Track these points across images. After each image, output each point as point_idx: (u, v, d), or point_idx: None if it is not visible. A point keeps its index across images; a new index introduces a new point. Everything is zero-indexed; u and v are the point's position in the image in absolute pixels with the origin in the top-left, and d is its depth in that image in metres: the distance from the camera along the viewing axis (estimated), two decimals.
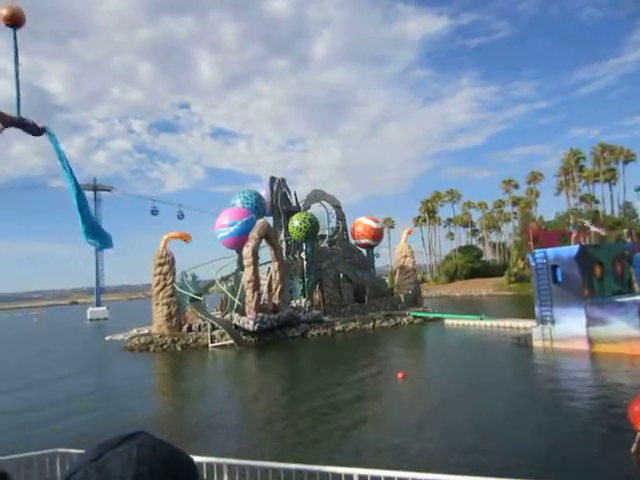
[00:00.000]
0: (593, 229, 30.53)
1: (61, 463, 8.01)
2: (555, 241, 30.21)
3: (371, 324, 44.11)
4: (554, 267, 27.45)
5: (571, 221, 34.47)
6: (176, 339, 38.87)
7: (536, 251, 28.76)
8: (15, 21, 11.21)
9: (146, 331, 43.67)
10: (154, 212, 74.93)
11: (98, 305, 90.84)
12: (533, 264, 28.88)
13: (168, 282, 42.51)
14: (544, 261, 27.87)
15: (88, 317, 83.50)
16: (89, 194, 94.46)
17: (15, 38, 10.93)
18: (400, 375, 22.13)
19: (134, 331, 45.59)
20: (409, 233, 59.54)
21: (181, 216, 74.03)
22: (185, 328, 41.28)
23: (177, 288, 42.79)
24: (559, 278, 27.19)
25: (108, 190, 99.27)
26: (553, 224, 73.51)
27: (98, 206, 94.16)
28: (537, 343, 27.71)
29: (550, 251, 28.01)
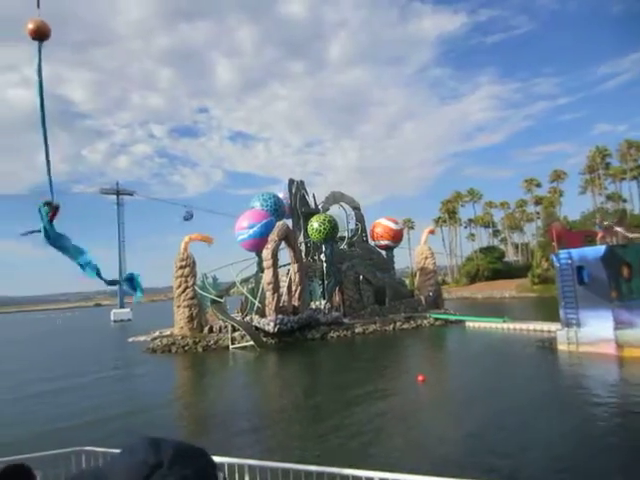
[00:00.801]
0: (617, 229, 29.71)
1: (86, 461, 8.06)
2: (580, 241, 29.52)
3: (391, 326, 43.79)
4: (579, 268, 26.81)
5: (597, 220, 33.64)
6: (197, 340, 39.14)
7: (560, 252, 28.14)
8: (40, 34, 11.23)
9: (168, 333, 44.08)
10: (187, 218, 75.24)
11: (122, 307, 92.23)
12: (557, 265, 28.28)
13: (189, 284, 42.89)
14: (569, 262, 27.26)
15: (112, 319, 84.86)
16: (112, 198, 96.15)
17: (40, 51, 11.02)
18: (420, 378, 21.85)
19: (156, 333, 46.04)
20: (430, 232, 58.97)
21: (189, 217, 74.75)
22: (206, 330, 41.56)
23: (198, 290, 43.13)
24: (585, 279, 26.56)
25: (130, 194, 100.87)
26: (578, 224, 72.17)
27: (121, 210, 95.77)
28: (562, 346, 27.10)
29: (575, 252, 27.38)
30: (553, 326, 31.54)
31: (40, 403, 22.55)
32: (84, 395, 23.78)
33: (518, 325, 38.02)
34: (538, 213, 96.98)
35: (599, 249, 26.94)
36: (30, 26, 10.95)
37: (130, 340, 47.33)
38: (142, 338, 45.91)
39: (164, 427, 17.15)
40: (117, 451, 0.99)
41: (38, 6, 11.08)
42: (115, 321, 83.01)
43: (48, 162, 10.95)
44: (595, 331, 25.60)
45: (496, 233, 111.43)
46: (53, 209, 10.68)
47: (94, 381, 27.82)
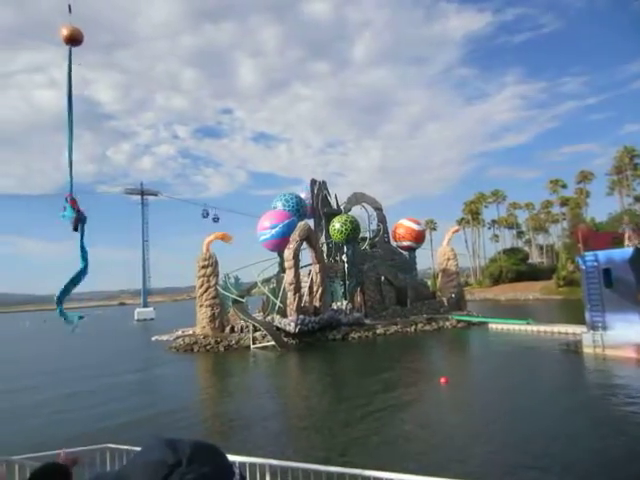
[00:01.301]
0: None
1: (111, 458, 8.22)
2: (607, 243, 28.95)
3: (413, 328, 43.53)
4: (606, 270, 26.29)
5: (624, 222, 32.91)
6: (219, 340, 39.49)
7: (586, 254, 27.64)
8: (74, 41, 11.48)
9: (190, 332, 44.57)
10: (214, 219, 76.72)
11: (145, 306, 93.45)
12: (583, 267, 27.78)
13: (211, 284, 43.27)
14: (595, 264, 26.76)
15: (135, 318, 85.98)
16: (136, 198, 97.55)
17: (70, 56, 11.31)
18: (443, 380, 21.70)
19: (179, 332, 46.61)
20: (455, 232, 58.49)
21: (206, 214, 77.12)
22: (228, 329, 41.90)
23: (220, 290, 43.49)
24: (611, 282, 26.04)
25: (155, 195, 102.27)
26: (605, 225, 70.72)
27: (145, 210, 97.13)
28: (587, 349, 26.63)
29: (601, 254, 26.86)
30: (578, 329, 30.98)
31: (71, 404, 22.96)
32: (113, 396, 23.94)
33: (542, 327, 37.42)
34: (564, 214, 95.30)
35: (626, 251, 26.39)
36: (64, 32, 11.20)
37: (153, 339, 47.96)
38: (165, 337, 46.50)
39: (189, 428, 17.31)
40: (139, 449, 1.03)
41: (70, 11, 11.34)
42: (138, 320, 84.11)
43: (70, 162, 11.13)
44: (622, 334, 25.07)
45: (520, 234, 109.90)
46: (75, 218, 10.60)
47: (122, 381, 28.17)
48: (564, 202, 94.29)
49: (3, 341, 69.72)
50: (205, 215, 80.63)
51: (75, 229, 10.64)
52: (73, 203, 10.64)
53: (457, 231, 59.70)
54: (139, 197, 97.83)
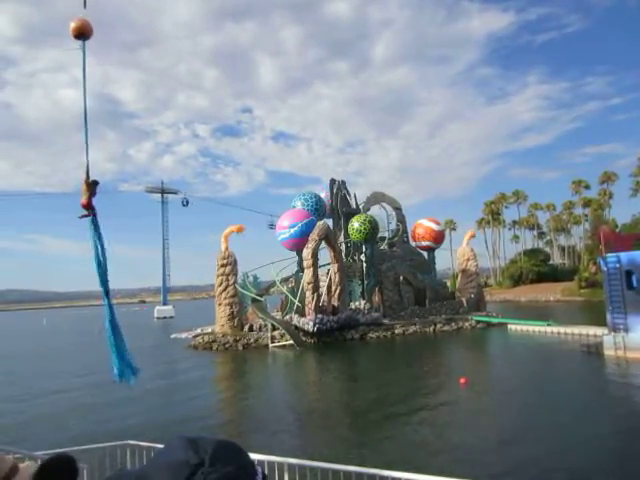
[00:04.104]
0: None
1: (131, 454, 8.41)
2: (630, 245, 28.52)
3: (432, 328, 43.38)
4: (628, 272, 25.93)
5: None
6: (238, 338, 39.84)
7: (608, 255, 27.29)
8: (80, 32, 11.58)
9: (209, 330, 45.02)
10: (270, 226, 77.56)
11: (165, 304, 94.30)
12: (605, 269, 27.43)
13: (230, 283, 43.65)
14: (617, 266, 26.41)
15: (155, 315, 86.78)
16: (157, 197, 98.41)
17: (83, 49, 11.50)
18: (462, 381, 21.64)
19: (198, 330, 47.10)
20: (471, 237, 57.98)
21: (185, 203, 79.76)
22: (246, 328, 42.23)
23: (239, 289, 43.83)
24: (634, 284, 25.66)
25: (175, 193, 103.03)
26: (629, 227, 69.51)
27: (165, 209, 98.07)
28: (609, 352, 26.28)
29: (624, 255, 26.50)
30: (599, 331, 30.59)
31: (98, 399, 23.50)
32: (139, 394, 24.30)
33: (563, 329, 37.01)
34: (586, 215, 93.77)
35: None
36: (72, 25, 11.42)
37: (173, 337, 48.53)
38: (184, 335, 47.07)
39: (210, 426, 17.56)
40: (160, 446, 1.06)
41: (85, 6, 11.51)
42: (158, 318, 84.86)
43: (87, 156, 11.23)
44: None
45: (541, 235, 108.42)
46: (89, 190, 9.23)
47: (145, 378, 28.58)
48: (587, 203, 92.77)
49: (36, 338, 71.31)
50: (185, 204, 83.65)
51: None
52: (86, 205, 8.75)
53: (473, 236, 58.95)
54: (159, 196, 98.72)
